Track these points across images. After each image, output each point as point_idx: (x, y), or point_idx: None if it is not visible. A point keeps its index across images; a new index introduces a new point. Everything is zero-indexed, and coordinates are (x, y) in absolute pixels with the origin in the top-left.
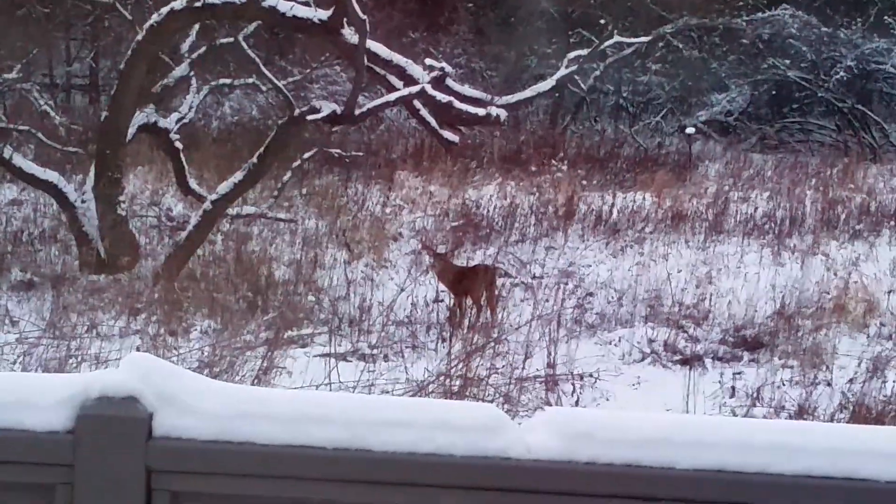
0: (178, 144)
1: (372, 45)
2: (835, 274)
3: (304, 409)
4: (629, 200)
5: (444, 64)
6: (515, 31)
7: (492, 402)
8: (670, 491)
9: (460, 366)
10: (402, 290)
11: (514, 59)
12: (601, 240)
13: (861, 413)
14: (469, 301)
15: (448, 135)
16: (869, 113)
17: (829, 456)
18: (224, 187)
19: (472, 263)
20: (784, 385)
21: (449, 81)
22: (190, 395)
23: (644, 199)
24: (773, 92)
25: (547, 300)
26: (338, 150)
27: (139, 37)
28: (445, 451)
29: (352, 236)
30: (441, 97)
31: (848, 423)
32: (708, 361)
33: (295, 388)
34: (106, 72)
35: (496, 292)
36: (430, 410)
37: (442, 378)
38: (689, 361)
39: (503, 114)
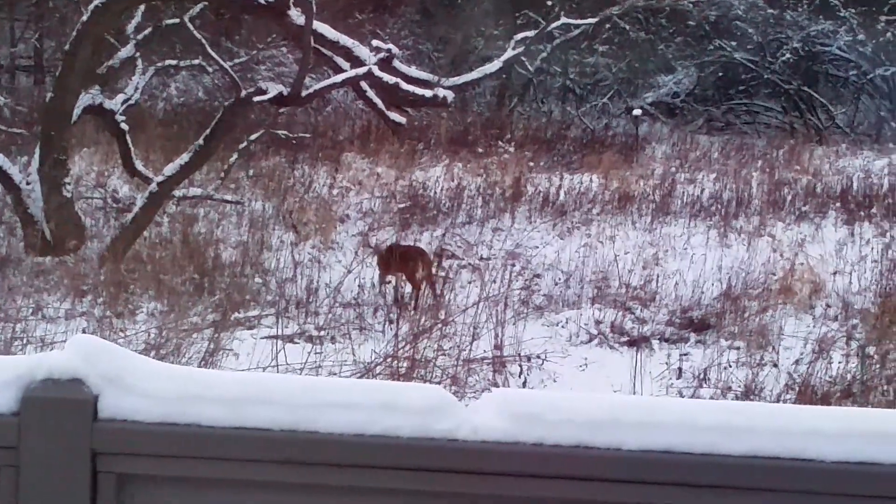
0: (124, 126)
1: (318, 26)
2: (781, 255)
3: (251, 391)
4: (576, 182)
5: (390, 45)
6: (462, 13)
7: (439, 383)
8: (618, 472)
9: (407, 347)
10: (350, 271)
11: (460, 40)
12: (548, 221)
13: (807, 394)
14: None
15: (395, 116)
16: (815, 95)
17: (775, 436)
18: (170, 169)
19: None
20: (731, 366)
21: (396, 63)
22: (136, 377)
23: (591, 180)
24: (720, 74)
25: (494, 282)
26: (284, 132)
27: (84, 18)
28: (392, 432)
29: (299, 218)
30: (388, 79)
31: (794, 403)
32: (655, 343)
33: (241, 370)
34: (51, 53)
35: (435, 272)
36: (377, 392)
37: (389, 360)
38: (636, 343)
39: (450, 95)
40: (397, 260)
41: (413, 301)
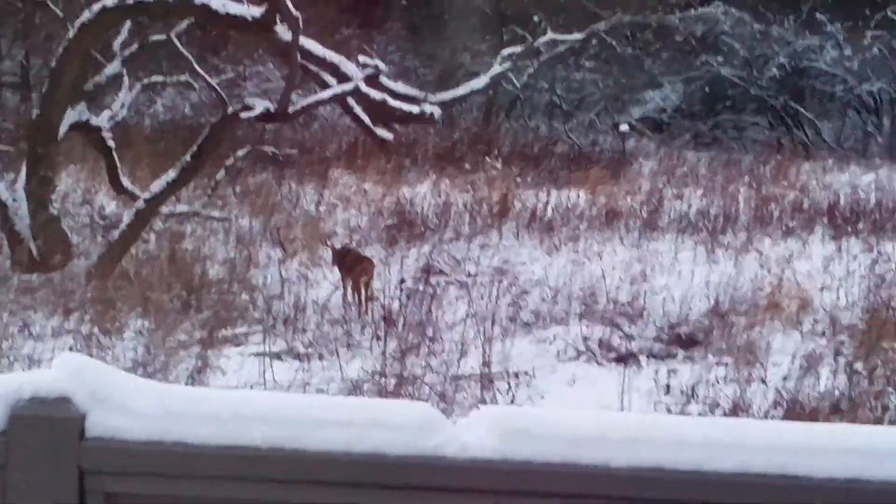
0: (111, 142)
1: (305, 42)
2: (768, 271)
3: (239, 409)
4: (564, 198)
5: (377, 61)
6: (449, 29)
7: (427, 400)
8: (607, 489)
9: (395, 364)
10: (337, 288)
11: (447, 56)
12: (536, 238)
13: (795, 410)
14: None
15: (382, 132)
16: (801, 110)
17: (764, 453)
18: (157, 186)
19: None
20: (718, 382)
21: (382, 79)
22: (123, 395)
23: (578, 196)
24: (707, 89)
25: (482, 298)
26: (271, 148)
27: (71, 34)
28: (381, 450)
29: (286, 235)
30: (375, 95)
31: (782, 419)
32: (643, 359)
33: (229, 388)
34: (37, 69)
35: (370, 278)
36: (365, 409)
37: (377, 377)
38: (624, 359)
39: (437, 111)
40: (343, 261)
41: (360, 304)
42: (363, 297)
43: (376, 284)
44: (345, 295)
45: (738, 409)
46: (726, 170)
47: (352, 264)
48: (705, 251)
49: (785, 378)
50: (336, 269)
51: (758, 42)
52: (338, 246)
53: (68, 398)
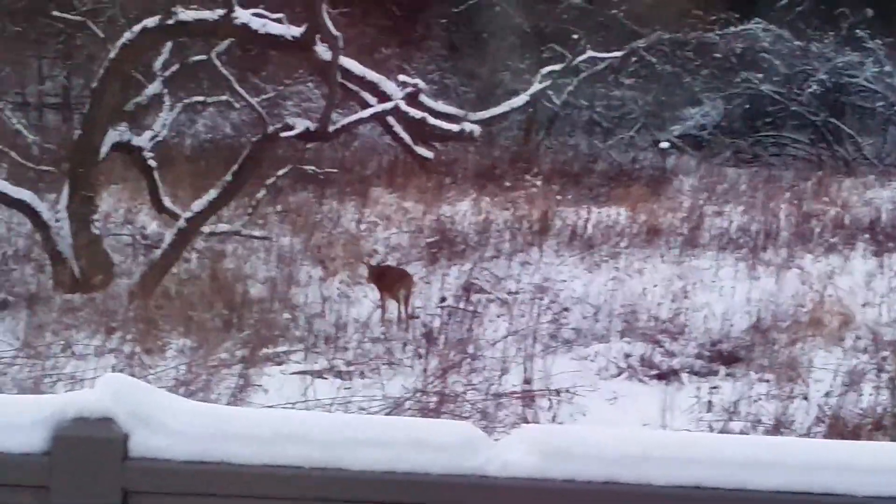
0: (152, 162)
1: (345, 61)
2: (810, 287)
3: (281, 429)
4: (604, 215)
5: (417, 80)
6: (488, 47)
7: (468, 418)
8: None
9: (436, 382)
10: (378, 306)
11: (487, 74)
12: (576, 255)
13: (837, 426)
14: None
15: (422, 151)
16: (842, 126)
17: (806, 471)
18: (198, 205)
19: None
20: (760, 399)
21: (422, 97)
22: (166, 416)
23: (619, 213)
24: (747, 106)
25: (522, 316)
26: (312, 167)
27: (112, 55)
28: (422, 469)
29: (327, 253)
30: (415, 113)
31: (824, 436)
32: (684, 376)
33: (271, 407)
34: (79, 90)
35: (409, 292)
36: (407, 429)
37: (418, 395)
38: (666, 376)
39: (477, 129)
40: (382, 278)
41: (400, 320)
42: (403, 312)
43: (417, 302)
44: (383, 312)
45: (780, 425)
46: (767, 186)
47: (390, 279)
48: (746, 268)
49: (827, 394)
50: (375, 286)
51: (798, 59)
52: (374, 263)
53: (111, 419)
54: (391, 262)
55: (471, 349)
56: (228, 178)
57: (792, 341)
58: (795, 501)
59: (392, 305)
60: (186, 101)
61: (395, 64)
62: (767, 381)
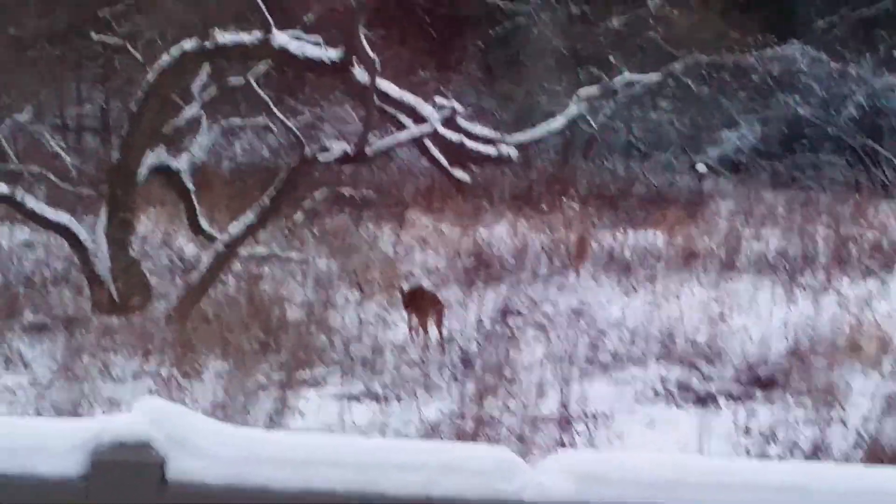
0: (190, 185)
1: (382, 84)
2: (848, 311)
3: (318, 453)
4: (641, 238)
5: (454, 103)
6: (525, 69)
7: (505, 442)
8: None
9: (473, 406)
10: (411, 328)
11: (523, 97)
12: (613, 278)
13: (876, 452)
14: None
15: (459, 174)
16: (880, 149)
17: (843, 497)
18: (235, 228)
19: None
20: (798, 424)
21: (459, 120)
22: (203, 440)
23: (656, 236)
24: (784, 129)
25: (559, 339)
26: (349, 190)
27: (150, 78)
28: (459, 494)
29: (363, 276)
30: (452, 136)
31: (862, 461)
32: (721, 400)
33: (308, 430)
34: (117, 113)
35: (441, 316)
36: (443, 453)
37: (455, 418)
38: (703, 400)
39: (514, 152)
40: (413, 300)
41: (433, 341)
42: (435, 336)
43: (454, 325)
44: (414, 335)
45: (817, 450)
46: (804, 209)
47: (421, 303)
48: (784, 291)
49: (865, 419)
50: (408, 310)
51: (835, 81)
52: (406, 287)
53: (148, 443)
54: (425, 283)
55: (507, 373)
56: (265, 200)
57: (830, 365)
58: None
59: (425, 327)
60: (224, 123)
61: (432, 87)
62: (805, 405)
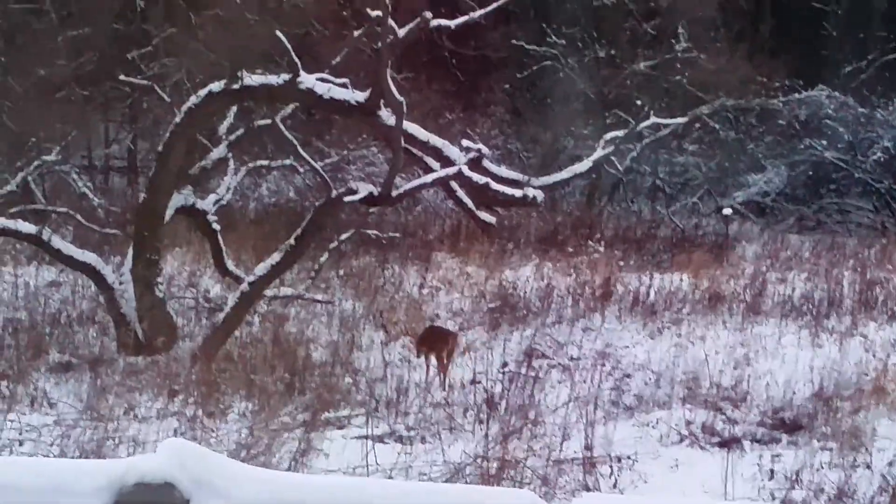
0: (216, 226)
1: (409, 126)
2: (873, 355)
3: (341, 497)
4: (666, 281)
5: (480, 145)
6: (552, 112)
7: (529, 485)
8: None
9: (497, 448)
10: (440, 371)
11: (550, 140)
12: (638, 321)
13: None
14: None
15: (485, 216)
16: None
17: None
18: (261, 269)
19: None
20: (823, 468)
21: (486, 163)
22: (226, 482)
23: (681, 280)
24: (810, 173)
25: (584, 382)
26: (375, 232)
27: (177, 119)
28: None
29: (389, 318)
30: (478, 178)
31: None
32: (746, 444)
33: (332, 472)
34: (144, 153)
35: (452, 353)
36: (468, 496)
37: (479, 460)
38: (728, 444)
39: (540, 195)
40: (427, 338)
41: (440, 377)
42: (443, 371)
43: (479, 367)
44: (428, 371)
45: (842, 495)
46: (830, 253)
47: (435, 339)
48: (809, 335)
49: (890, 464)
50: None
51: (862, 126)
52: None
53: (173, 484)
54: (439, 322)
55: (532, 415)
56: (292, 241)
57: (855, 410)
58: None
59: (442, 362)
60: (251, 164)
61: (458, 129)
62: (830, 449)
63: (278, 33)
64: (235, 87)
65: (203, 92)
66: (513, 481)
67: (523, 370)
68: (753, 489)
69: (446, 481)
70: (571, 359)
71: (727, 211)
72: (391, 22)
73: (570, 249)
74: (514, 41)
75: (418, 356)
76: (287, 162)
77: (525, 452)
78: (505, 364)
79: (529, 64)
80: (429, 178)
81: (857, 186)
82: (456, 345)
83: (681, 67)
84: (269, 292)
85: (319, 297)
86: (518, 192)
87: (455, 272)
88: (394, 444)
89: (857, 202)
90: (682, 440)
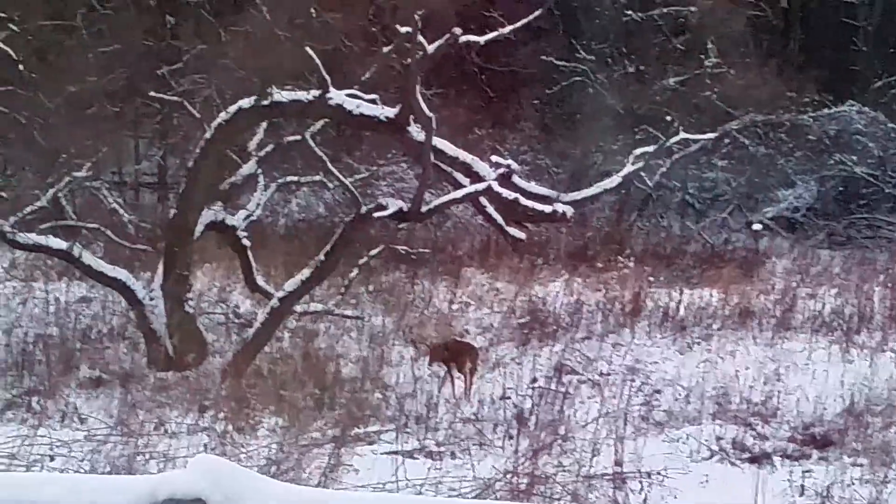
0: (246, 242)
1: (438, 142)
2: None
3: None
4: (696, 297)
5: (510, 161)
6: (581, 128)
7: (559, 500)
8: None
9: (527, 463)
10: (470, 387)
11: (579, 155)
12: (668, 336)
13: None
14: (456, 371)
15: (514, 232)
16: None
17: None
18: (291, 284)
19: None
20: (854, 484)
21: (515, 178)
22: (256, 498)
23: (711, 295)
24: (841, 188)
25: (614, 397)
26: (404, 247)
27: (207, 135)
28: None
29: (419, 333)
30: (507, 194)
31: None
32: (777, 459)
33: (361, 487)
34: (174, 169)
35: (475, 367)
36: None
37: (509, 476)
38: (758, 459)
39: (569, 210)
40: (448, 353)
41: (465, 390)
42: (467, 385)
43: (508, 383)
44: (453, 385)
45: None
46: (861, 269)
47: (456, 353)
48: (840, 351)
49: None
50: (438, 365)
51: (892, 141)
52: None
53: (204, 501)
54: (482, 341)
55: (561, 430)
56: (321, 257)
57: (886, 425)
58: None
59: (465, 374)
60: (280, 180)
61: (488, 145)
62: (861, 465)
63: (308, 49)
64: (265, 103)
65: (233, 108)
66: (542, 497)
67: (553, 385)
68: None
69: (476, 497)
70: (601, 374)
71: (757, 226)
72: (421, 38)
73: (600, 265)
74: (543, 57)
75: (430, 366)
76: (317, 178)
77: (555, 468)
78: (534, 379)
79: (559, 80)
80: (458, 193)
81: (888, 201)
82: (478, 359)
83: (710, 83)
84: (298, 308)
85: (349, 312)
86: (547, 208)
87: (484, 288)
88: (423, 459)
89: (887, 217)
90: (712, 456)
